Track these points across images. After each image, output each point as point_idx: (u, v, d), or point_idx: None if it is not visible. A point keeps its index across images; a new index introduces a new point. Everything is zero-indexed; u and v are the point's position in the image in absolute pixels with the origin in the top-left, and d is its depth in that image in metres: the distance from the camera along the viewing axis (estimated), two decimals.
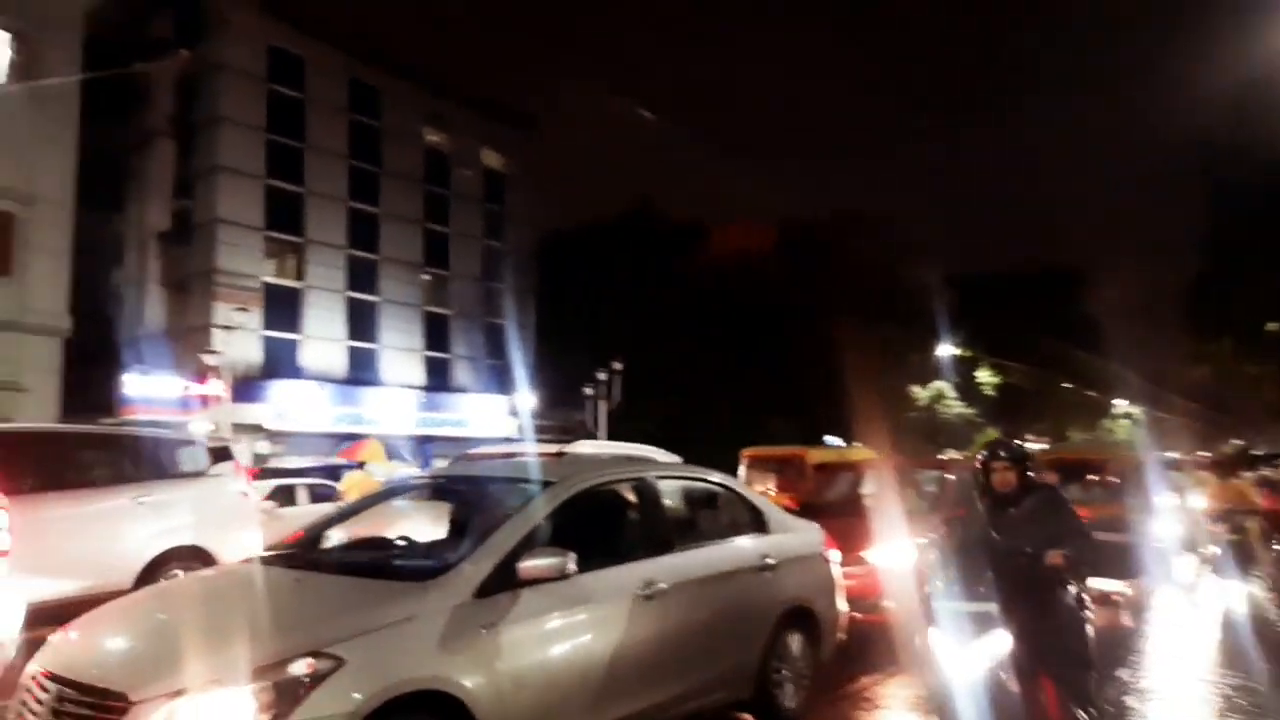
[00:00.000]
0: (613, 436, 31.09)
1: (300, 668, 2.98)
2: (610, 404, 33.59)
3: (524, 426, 34.88)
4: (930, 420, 45.77)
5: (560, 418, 36.05)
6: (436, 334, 36.63)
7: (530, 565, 3.70)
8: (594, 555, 4.04)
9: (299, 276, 31.99)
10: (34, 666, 3.37)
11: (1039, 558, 4.25)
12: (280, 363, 30.78)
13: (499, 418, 36.27)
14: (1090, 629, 4.41)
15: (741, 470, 12.09)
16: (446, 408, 35.60)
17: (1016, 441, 5.18)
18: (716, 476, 5.60)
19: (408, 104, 35.29)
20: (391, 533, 4.71)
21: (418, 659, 3.30)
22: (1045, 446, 32.51)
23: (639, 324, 39.95)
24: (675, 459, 9.35)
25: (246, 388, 28.50)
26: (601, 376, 33.66)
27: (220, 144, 29.73)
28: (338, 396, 31.78)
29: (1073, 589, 4.37)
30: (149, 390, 27.28)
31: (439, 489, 5.36)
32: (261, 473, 19.81)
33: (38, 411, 20.87)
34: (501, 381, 37.15)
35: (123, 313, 29.73)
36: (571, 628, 3.86)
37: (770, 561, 5.09)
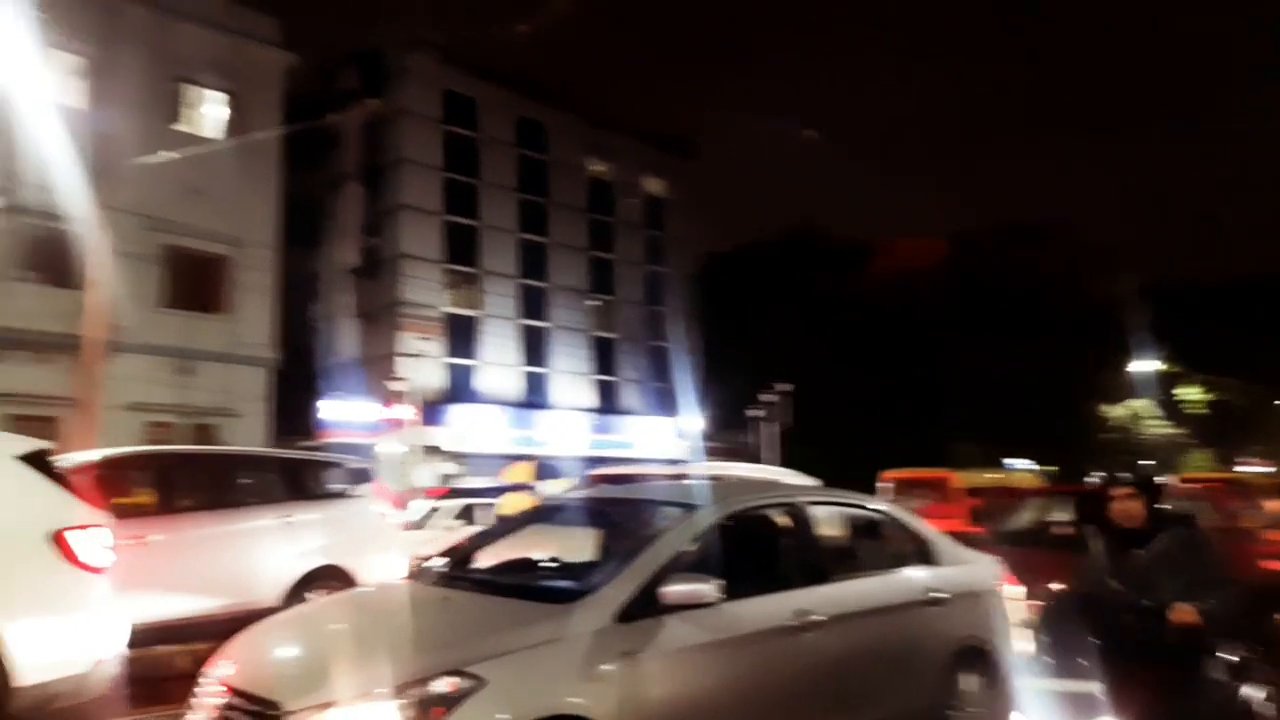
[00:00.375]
0: (783, 459, 30.61)
1: (443, 685, 3.05)
2: (781, 425, 33.16)
3: (691, 448, 35.04)
4: (1127, 442, 42.30)
5: (727, 440, 35.90)
6: (604, 358, 37.39)
7: (673, 591, 3.59)
8: (743, 583, 3.88)
9: (475, 306, 33.53)
10: (211, 673, 3.57)
11: (1161, 613, 3.27)
12: (460, 387, 32.32)
13: (666, 439, 36.51)
14: (1263, 707, 3.36)
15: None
16: (615, 430, 36.22)
17: (1143, 462, 4.33)
18: (878, 503, 5.29)
19: (572, 136, 36.44)
20: (541, 553, 4.69)
21: (558, 683, 3.28)
22: (1271, 470, 29.30)
23: (806, 344, 39.26)
24: (813, 482, 8.94)
25: (430, 411, 30.07)
26: (769, 398, 33.28)
27: (403, 184, 31.75)
28: (513, 419, 33.02)
29: (1224, 656, 3.30)
30: (344, 414, 29.31)
31: (588, 510, 5.31)
32: (450, 493, 20.78)
33: (249, 435, 22.88)
34: (669, 404, 37.43)
35: (321, 343, 32.14)
36: (717, 658, 3.70)
37: (939, 595, 4.73)
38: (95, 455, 7.39)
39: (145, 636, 6.06)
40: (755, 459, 28.71)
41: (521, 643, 3.30)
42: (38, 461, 4.79)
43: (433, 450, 29.82)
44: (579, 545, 4.73)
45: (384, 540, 8.53)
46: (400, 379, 28.12)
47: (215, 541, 7.35)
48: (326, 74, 32.32)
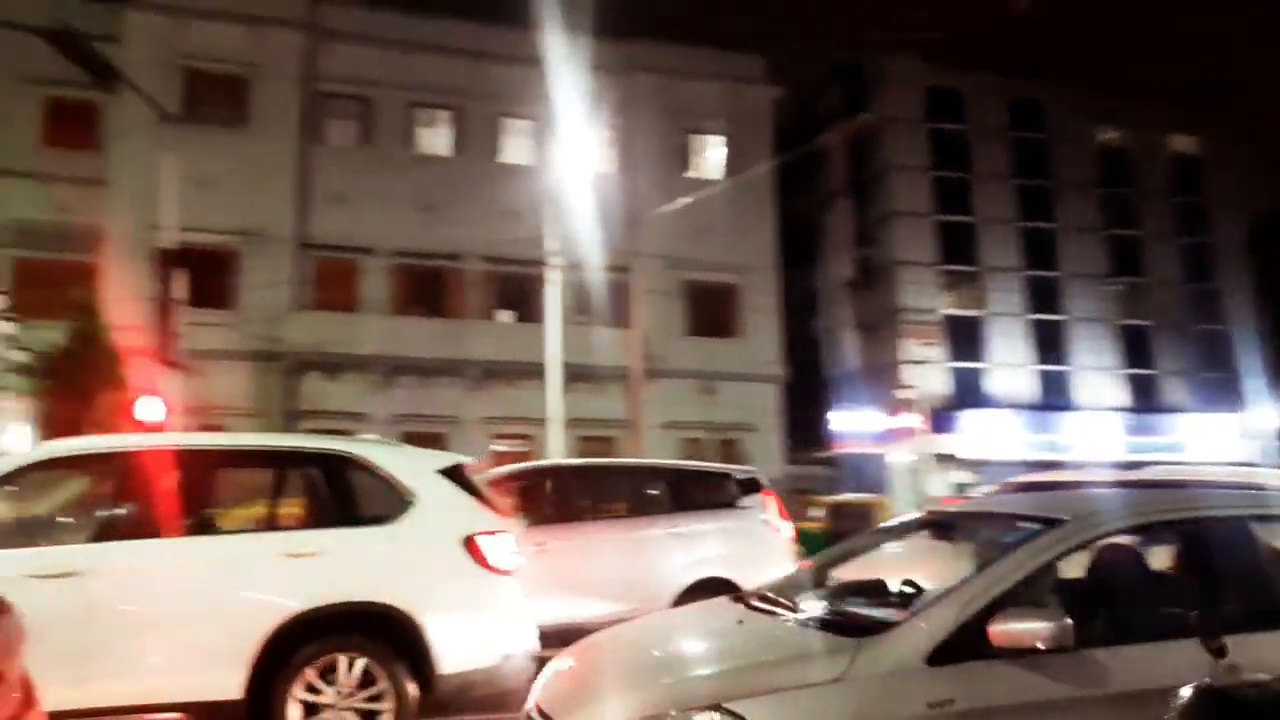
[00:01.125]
0: None
1: None
2: None
3: (1262, 449, 29.15)
4: None
5: None
6: (1136, 349, 32.92)
7: (1005, 629, 2.87)
8: (1125, 622, 3.07)
9: (978, 305, 31.96)
10: (534, 686, 3.70)
11: None
12: (968, 392, 30.99)
13: (1228, 439, 30.79)
14: None
15: None
16: (1157, 430, 31.56)
17: None
18: None
19: (1073, 109, 32.99)
20: (900, 573, 4.03)
21: None
22: None
23: None
24: None
25: (939, 418, 29.30)
26: None
27: (891, 191, 31.63)
28: (1030, 423, 30.65)
29: None
30: (851, 425, 29.92)
31: (940, 526, 4.50)
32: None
33: (765, 448, 24.59)
34: (1229, 398, 31.65)
35: (824, 357, 33.29)
36: None
37: None
38: (509, 469, 8.31)
39: (549, 639, 6.43)
40: None
41: (799, 679, 2.88)
42: (454, 474, 5.34)
43: (945, 458, 28.95)
44: (945, 567, 4.03)
45: (771, 552, 8.23)
46: (906, 387, 27.86)
47: (606, 549, 7.73)
48: (809, 98, 33.69)
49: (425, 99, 24.47)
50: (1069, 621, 2.86)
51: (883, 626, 3.08)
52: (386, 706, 4.78)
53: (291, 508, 5.61)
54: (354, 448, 5.49)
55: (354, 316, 22.88)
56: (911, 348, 29.53)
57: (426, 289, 23.83)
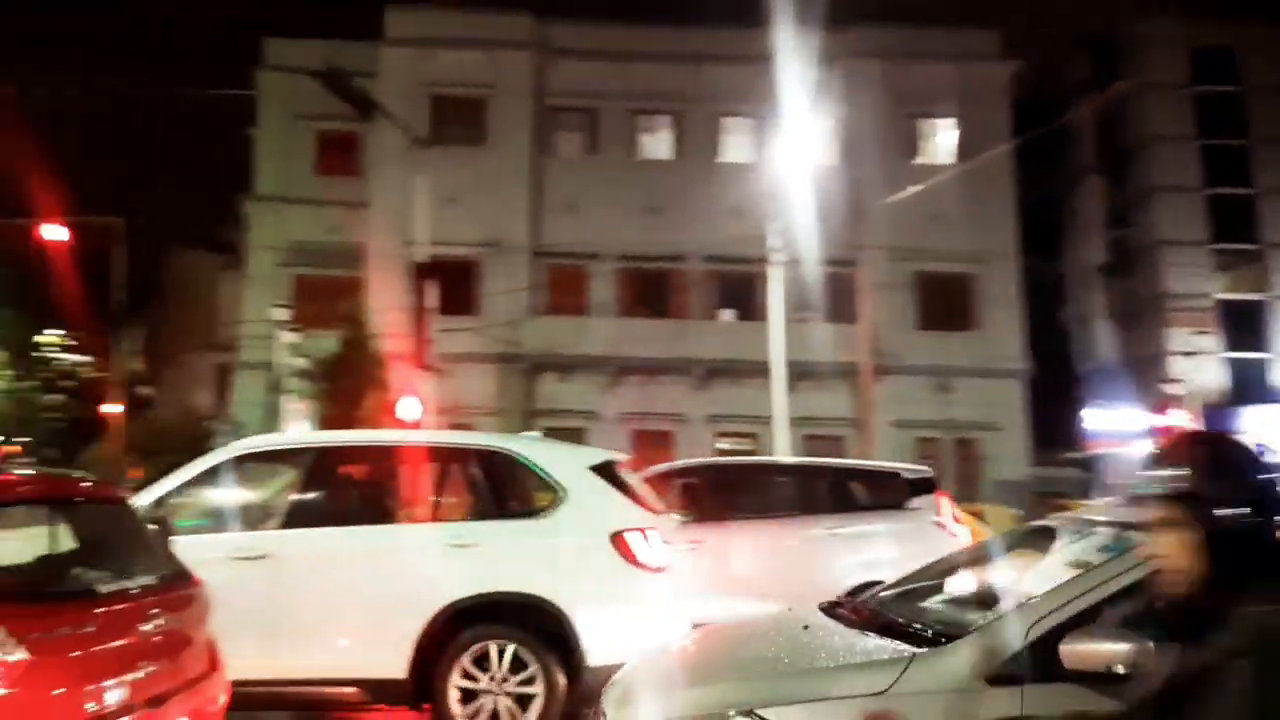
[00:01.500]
0: None
1: None
2: None
3: None
4: None
5: None
6: None
7: (1077, 649, 2.60)
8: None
9: (1260, 288, 28.29)
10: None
11: None
12: (1250, 386, 27.51)
13: None
14: None
15: None
16: None
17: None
18: None
19: None
20: (1017, 582, 3.61)
21: None
22: None
23: None
24: None
25: (1213, 415, 26.22)
26: None
27: (1151, 165, 28.66)
28: None
29: None
30: (1108, 423, 27.37)
31: (1076, 533, 3.92)
32: None
33: (1008, 448, 23.06)
34: None
35: (1073, 350, 30.67)
36: None
37: None
38: (666, 466, 8.37)
39: None
40: None
41: (839, 690, 2.79)
42: (605, 470, 5.42)
43: None
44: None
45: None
46: (1173, 381, 25.14)
47: (764, 549, 7.62)
48: (1051, 70, 31.16)
49: (646, 105, 25.08)
50: (1150, 644, 2.56)
51: (946, 639, 2.89)
52: (538, 694, 4.95)
53: (455, 500, 5.93)
54: (510, 444, 5.76)
55: (584, 319, 23.83)
56: (1179, 337, 26.63)
57: (651, 290, 24.40)
